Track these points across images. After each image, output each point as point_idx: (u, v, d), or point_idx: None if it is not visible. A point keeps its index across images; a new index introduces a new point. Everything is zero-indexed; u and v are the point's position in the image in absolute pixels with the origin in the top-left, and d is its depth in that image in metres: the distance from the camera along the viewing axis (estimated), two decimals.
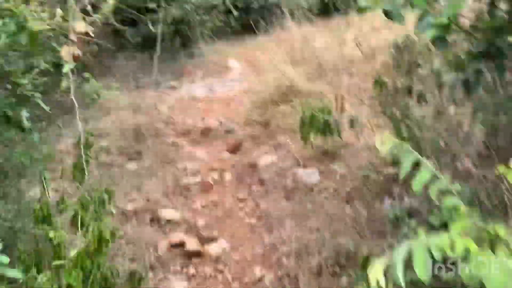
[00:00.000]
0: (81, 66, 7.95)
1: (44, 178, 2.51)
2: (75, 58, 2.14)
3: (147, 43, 8.36)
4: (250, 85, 6.78)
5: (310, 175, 4.02)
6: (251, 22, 10.15)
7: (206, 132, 5.36)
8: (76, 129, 5.15)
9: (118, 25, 7.39)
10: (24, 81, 2.60)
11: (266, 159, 4.52)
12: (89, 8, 4.99)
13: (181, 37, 8.86)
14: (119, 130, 5.02)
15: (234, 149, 4.90)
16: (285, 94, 5.44)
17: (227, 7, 9.26)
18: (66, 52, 2.11)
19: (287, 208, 3.65)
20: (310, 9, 9.74)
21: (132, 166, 4.49)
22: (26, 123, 2.53)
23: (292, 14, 8.74)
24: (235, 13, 9.27)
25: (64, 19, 2.30)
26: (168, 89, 6.97)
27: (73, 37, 2.14)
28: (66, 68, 3.89)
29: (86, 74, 6.27)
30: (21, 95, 2.87)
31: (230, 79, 7.41)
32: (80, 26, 2.20)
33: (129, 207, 3.68)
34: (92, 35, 2.33)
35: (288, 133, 4.86)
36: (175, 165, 4.55)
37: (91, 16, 5.06)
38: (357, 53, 6.48)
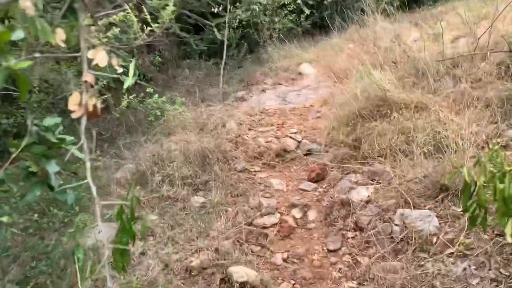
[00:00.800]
0: (144, 79, 7.54)
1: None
2: (91, 114, 1.37)
3: (213, 51, 7.77)
4: (330, 94, 5.86)
5: (424, 219, 3.03)
6: (324, 20, 9.23)
7: (282, 154, 4.54)
8: (136, 154, 4.64)
9: (180, 33, 6.86)
10: None
11: (360, 193, 3.59)
12: (147, 16, 4.40)
13: (248, 42, 8.15)
14: (183, 155, 4.36)
15: (318, 178, 4.02)
16: (377, 106, 4.46)
17: (297, 5, 8.40)
18: (75, 102, 1.35)
19: (397, 269, 2.71)
20: (391, 1, 8.57)
21: (197, 200, 3.79)
22: (54, 180, 1.85)
23: (371, 8, 7.67)
24: (307, 11, 8.37)
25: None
26: (236, 101, 6.26)
27: (88, 78, 1.39)
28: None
29: (149, 88, 5.74)
30: None
31: (304, 86, 6.54)
32: (100, 58, 1.45)
33: (194, 262, 2.95)
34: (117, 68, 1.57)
35: (387, 157, 3.89)
36: (247, 199, 3.78)
37: (150, 26, 4.48)
38: (459, 51, 5.33)
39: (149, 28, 4.77)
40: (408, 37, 6.74)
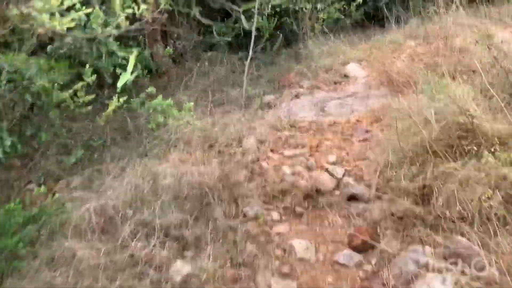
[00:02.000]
0: (156, 72, 6.35)
1: None
2: None
3: (240, 42, 6.46)
4: (384, 108, 4.44)
5: None
6: (379, 10, 7.68)
7: (313, 196, 3.21)
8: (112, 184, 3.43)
9: (201, 19, 5.60)
10: None
11: (434, 280, 2.24)
12: None
13: (285, 33, 6.78)
14: (177, 187, 3.13)
15: (364, 247, 2.68)
16: (458, 137, 3.04)
17: None
18: None
19: None
20: None
21: (181, 269, 2.55)
22: None
23: None
24: None
25: None
26: (261, 108, 4.95)
27: None
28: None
29: (150, 89, 4.55)
30: None
31: (350, 94, 5.13)
32: None
33: None
34: None
35: (475, 225, 2.50)
36: (254, 273, 2.51)
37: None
38: None
39: (143, 7, 3.59)
40: (490, 37, 5.16)
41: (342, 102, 4.95)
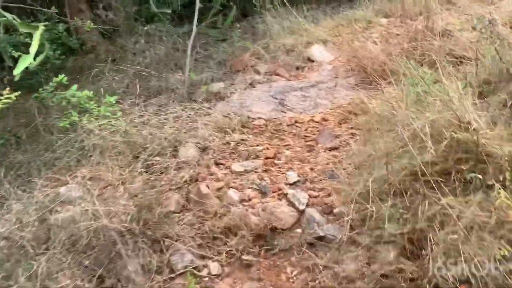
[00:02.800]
0: (81, 48, 5.17)
1: None
2: None
3: (186, 14, 5.41)
4: (354, 104, 3.66)
5: None
6: None
7: (267, 237, 2.40)
8: None
9: None
10: None
11: None
12: None
13: (240, 5, 5.79)
14: (75, 230, 2.21)
15: None
16: (457, 160, 2.30)
17: None
18: None
19: None
20: None
21: None
22: None
23: None
24: None
25: None
26: (207, 100, 4.03)
27: None
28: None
29: (59, 77, 3.49)
30: None
31: (314, 83, 4.29)
32: None
33: None
34: None
35: None
36: None
37: None
38: None
39: None
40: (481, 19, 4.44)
41: (305, 94, 4.11)
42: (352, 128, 3.39)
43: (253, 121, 3.73)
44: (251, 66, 4.72)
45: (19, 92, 2.95)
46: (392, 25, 5.37)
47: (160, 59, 4.66)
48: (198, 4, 4.00)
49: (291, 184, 2.74)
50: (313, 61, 4.73)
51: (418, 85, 3.02)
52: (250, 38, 5.47)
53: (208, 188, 2.67)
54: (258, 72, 4.59)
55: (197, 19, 4.48)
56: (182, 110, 3.73)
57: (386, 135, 2.60)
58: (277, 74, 4.53)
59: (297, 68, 4.63)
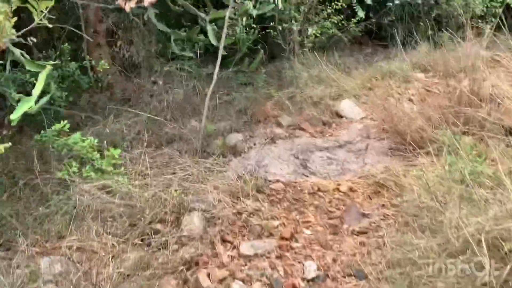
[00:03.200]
0: (99, 86, 4.85)
1: None
2: None
3: (212, 52, 5.14)
4: (387, 173, 3.21)
5: None
6: (383, 29, 6.46)
7: None
8: None
9: (157, 23, 4.24)
10: None
11: None
12: None
13: (268, 48, 5.51)
14: None
15: None
16: None
17: (348, 4, 5.68)
18: None
19: None
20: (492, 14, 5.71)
21: None
22: None
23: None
24: (361, 13, 5.63)
25: None
26: (221, 155, 3.65)
27: None
28: None
29: (62, 124, 3.22)
30: None
31: (342, 143, 3.88)
32: None
33: None
34: None
35: None
36: None
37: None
38: None
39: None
40: None
41: (331, 156, 3.69)
42: (384, 206, 2.93)
43: (270, 184, 3.32)
44: (274, 117, 4.36)
45: (10, 144, 2.63)
46: (430, 81, 4.96)
47: (178, 104, 4.35)
48: (221, 51, 3.68)
49: (308, 281, 2.28)
50: (342, 116, 4.33)
51: (465, 166, 2.58)
52: (275, 84, 5.14)
53: (210, 278, 2.25)
54: (280, 125, 4.21)
55: (222, 61, 4.17)
56: (193, 165, 3.37)
57: (427, 235, 2.14)
58: (301, 129, 4.14)
59: (324, 124, 4.24)
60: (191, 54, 4.45)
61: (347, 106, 4.36)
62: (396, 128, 3.75)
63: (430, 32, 6.02)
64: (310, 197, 3.16)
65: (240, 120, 4.30)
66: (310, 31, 5.28)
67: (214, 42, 3.91)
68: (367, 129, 4.05)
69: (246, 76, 5.27)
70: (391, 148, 3.67)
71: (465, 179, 2.53)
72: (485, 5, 5.75)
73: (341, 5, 5.47)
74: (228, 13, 3.65)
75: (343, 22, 5.72)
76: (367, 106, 4.41)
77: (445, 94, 4.23)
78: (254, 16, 4.23)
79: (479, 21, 5.01)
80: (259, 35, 5.22)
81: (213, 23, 4.20)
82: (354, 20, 5.72)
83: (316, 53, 5.44)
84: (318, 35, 5.45)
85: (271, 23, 5.26)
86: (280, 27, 5.30)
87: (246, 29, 4.90)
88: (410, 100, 4.51)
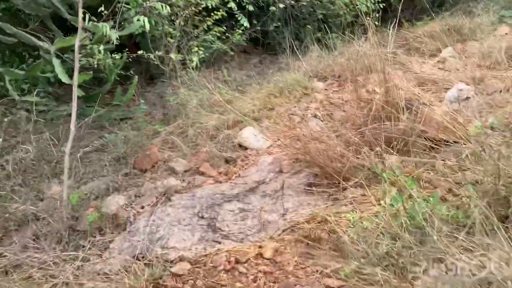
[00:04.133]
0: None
1: None
2: None
3: (70, 89, 4.00)
4: (316, 221, 2.56)
5: None
6: (268, 36, 5.92)
7: None
8: None
9: None
10: None
11: None
12: None
13: (144, 70, 4.56)
14: None
15: None
16: None
17: (229, 13, 4.98)
18: None
19: None
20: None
21: None
22: None
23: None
24: (245, 22, 4.99)
25: None
26: (99, 232, 2.66)
27: None
28: None
29: None
30: None
31: (253, 185, 3.14)
32: None
33: None
34: None
35: None
36: None
37: None
38: None
39: None
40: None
41: (244, 206, 2.93)
42: (325, 275, 2.26)
43: (171, 267, 2.44)
44: (164, 162, 3.46)
45: None
46: (332, 89, 4.52)
47: (27, 166, 3.19)
48: (76, 92, 2.65)
49: None
50: (246, 148, 3.61)
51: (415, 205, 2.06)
52: (159, 115, 4.24)
53: None
54: (174, 172, 3.33)
55: (88, 97, 3.13)
56: (54, 263, 2.33)
57: None
58: (201, 173, 3.32)
59: (227, 161, 3.47)
60: (36, 98, 3.30)
61: (250, 135, 3.65)
62: (312, 158, 3.14)
63: (318, 34, 5.67)
64: (228, 277, 2.35)
65: (119, 174, 3.31)
66: (193, 46, 4.46)
67: (64, 79, 2.88)
68: (278, 161, 3.39)
69: (121, 110, 4.25)
70: (311, 184, 3.05)
71: (420, 222, 2.01)
72: (371, 1, 5.54)
73: (221, 15, 4.76)
74: (77, 40, 2.64)
75: (226, 33, 5.02)
76: (272, 131, 3.75)
77: (351, 103, 3.78)
78: (114, 41, 3.25)
79: (368, 18, 4.74)
80: (129, 59, 4.24)
81: (64, 54, 3.13)
82: (239, 31, 5.05)
83: (200, 72, 4.67)
84: (201, 50, 4.65)
85: (142, 42, 4.34)
86: (153, 46, 4.40)
87: (111, 55, 3.88)
88: (315, 116, 3.99)
